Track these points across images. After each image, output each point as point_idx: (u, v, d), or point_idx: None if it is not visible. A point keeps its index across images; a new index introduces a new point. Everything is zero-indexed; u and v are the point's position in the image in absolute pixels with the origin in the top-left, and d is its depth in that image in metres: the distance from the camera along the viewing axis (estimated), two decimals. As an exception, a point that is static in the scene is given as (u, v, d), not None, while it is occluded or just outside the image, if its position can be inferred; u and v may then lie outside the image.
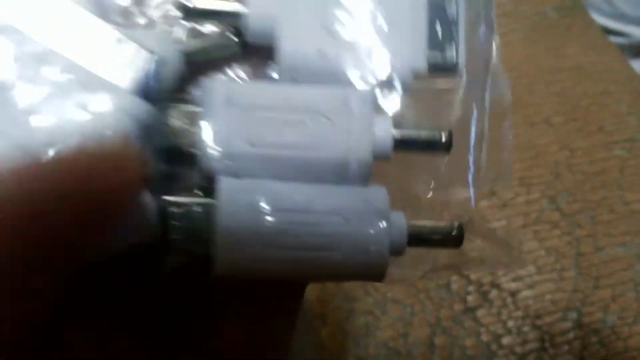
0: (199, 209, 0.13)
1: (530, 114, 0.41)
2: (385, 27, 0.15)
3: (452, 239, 0.15)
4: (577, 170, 0.39)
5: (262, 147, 0.13)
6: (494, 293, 0.34)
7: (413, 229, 0.14)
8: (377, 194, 0.14)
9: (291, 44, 0.14)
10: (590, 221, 0.37)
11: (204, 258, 0.13)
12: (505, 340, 0.33)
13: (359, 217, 0.13)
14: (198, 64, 0.14)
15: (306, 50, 0.14)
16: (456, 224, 0.15)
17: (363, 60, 0.15)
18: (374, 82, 0.15)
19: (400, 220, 0.14)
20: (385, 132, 0.14)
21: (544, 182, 0.38)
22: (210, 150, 0.13)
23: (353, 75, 0.14)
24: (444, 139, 0.15)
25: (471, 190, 0.16)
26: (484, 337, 0.33)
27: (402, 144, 0.14)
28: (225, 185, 0.13)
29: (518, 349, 0.33)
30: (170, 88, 0.14)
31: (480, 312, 0.34)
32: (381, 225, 0.14)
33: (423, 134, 0.15)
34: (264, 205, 0.13)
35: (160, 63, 0.13)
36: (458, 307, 0.34)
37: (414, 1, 0.15)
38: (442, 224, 0.15)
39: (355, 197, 0.14)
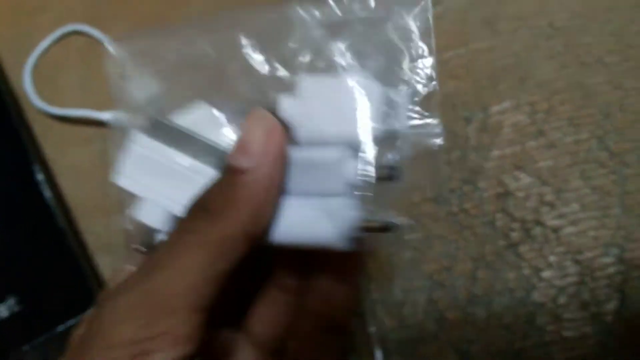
0: None
1: (582, 53, 0.40)
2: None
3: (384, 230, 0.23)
4: (629, 110, 0.38)
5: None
6: (537, 230, 0.35)
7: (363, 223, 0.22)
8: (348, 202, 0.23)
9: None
10: (639, 160, 0.36)
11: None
12: (546, 274, 0.34)
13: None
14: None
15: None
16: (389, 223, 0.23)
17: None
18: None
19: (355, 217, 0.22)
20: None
21: (593, 122, 0.37)
22: None
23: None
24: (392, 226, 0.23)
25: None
26: (525, 271, 0.34)
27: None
28: None
29: (557, 282, 0.33)
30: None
31: (522, 248, 0.35)
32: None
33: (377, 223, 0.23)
34: None
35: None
36: (501, 242, 0.35)
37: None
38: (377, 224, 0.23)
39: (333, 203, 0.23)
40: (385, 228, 0.22)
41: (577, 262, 0.34)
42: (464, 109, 0.39)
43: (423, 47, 0.25)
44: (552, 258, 0.34)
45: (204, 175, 0.24)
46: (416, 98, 0.24)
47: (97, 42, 0.47)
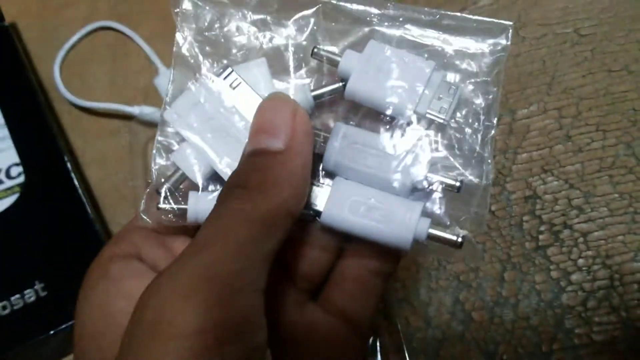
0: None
1: (609, 61, 0.38)
2: None
3: (455, 244, 0.21)
4: (656, 118, 0.37)
5: (354, 164, 0.22)
6: (565, 233, 0.34)
7: (431, 231, 0.21)
8: (417, 205, 0.21)
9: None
10: (668, 167, 0.35)
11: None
12: (575, 277, 0.32)
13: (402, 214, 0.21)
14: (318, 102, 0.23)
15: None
16: (459, 237, 0.21)
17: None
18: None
19: (426, 223, 0.21)
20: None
21: (620, 128, 0.36)
22: (328, 159, 0.22)
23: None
24: (459, 241, 0.21)
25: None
26: (554, 274, 0.33)
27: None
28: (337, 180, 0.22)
29: (587, 286, 0.32)
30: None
31: (551, 250, 0.33)
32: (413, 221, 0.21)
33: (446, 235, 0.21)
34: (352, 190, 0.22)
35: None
36: (529, 245, 0.34)
37: None
38: (448, 235, 0.21)
39: (402, 202, 0.21)
40: (457, 243, 0.20)
41: (606, 266, 0.32)
42: (490, 112, 0.38)
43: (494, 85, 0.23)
44: (581, 261, 0.33)
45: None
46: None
47: (125, 38, 0.45)
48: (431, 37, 0.23)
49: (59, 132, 0.40)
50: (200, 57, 0.23)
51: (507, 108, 0.38)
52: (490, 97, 0.22)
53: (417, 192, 0.21)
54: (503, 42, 0.22)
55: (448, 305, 0.33)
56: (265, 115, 0.20)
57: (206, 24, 0.23)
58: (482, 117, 0.22)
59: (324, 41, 0.23)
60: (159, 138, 0.23)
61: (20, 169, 0.37)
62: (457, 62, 0.22)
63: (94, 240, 0.34)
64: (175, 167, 0.23)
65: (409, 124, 0.21)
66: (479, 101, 0.22)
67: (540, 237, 0.34)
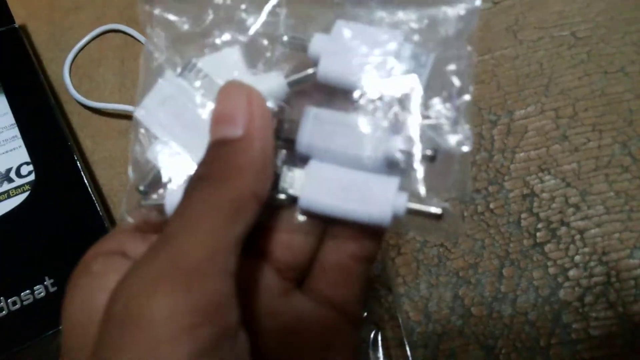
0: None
1: (605, 63, 0.39)
2: None
3: (435, 216, 0.20)
4: (651, 118, 0.37)
5: (327, 144, 0.21)
6: (563, 230, 0.34)
7: (410, 205, 0.20)
8: (393, 180, 0.21)
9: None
10: (663, 166, 0.35)
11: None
12: (572, 273, 0.33)
13: (379, 190, 0.20)
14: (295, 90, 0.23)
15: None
16: (438, 209, 0.20)
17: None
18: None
19: (403, 197, 0.20)
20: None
21: (616, 128, 0.37)
22: (300, 142, 0.21)
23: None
24: (439, 213, 0.20)
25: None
26: (552, 270, 0.33)
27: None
28: (311, 163, 0.22)
29: (584, 282, 0.33)
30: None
31: (548, 247, 0.34)
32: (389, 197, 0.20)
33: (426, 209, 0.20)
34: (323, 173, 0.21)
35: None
36: (527, 242, 0.34)
37: None
38: (427, 207, 0.20)
39: (378, 178, 0.21)
40: (436, 215, 0.20)
41: (603, 262, 0.33)
42: (489, 113, 0.39)
43: (466, 49, 0.23)
44: (578, 258, 0.33)
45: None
46: (451, 102, 0.22)
47: (134, 41, 0.46)
48: (399, 11, 0.22)
49: (69, 132, 0.41)
50: (169, 53, 0.24)
51: (506, 109, 0.39)
52: (463, 61, 0.21)
53: (393, 167, 0.21)
54: (473, 4, 0.22)
55: (448, 300, 0.34)
56: (222, 105, 0.20)
57: (177, 18, 0.24)
58: (456, 83, 0.21)
59: (297, 29, 0.23)
60: (136, 136, 0.23)
61: (30, 167, 0.38)
62: (428, 30, 0.22)
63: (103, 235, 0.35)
64: (151, 164, 0.23)
65: (380, 98, 0.21)
66: (452, 67, 0.21)
67: (538, 234, 0.34)
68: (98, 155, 0.42)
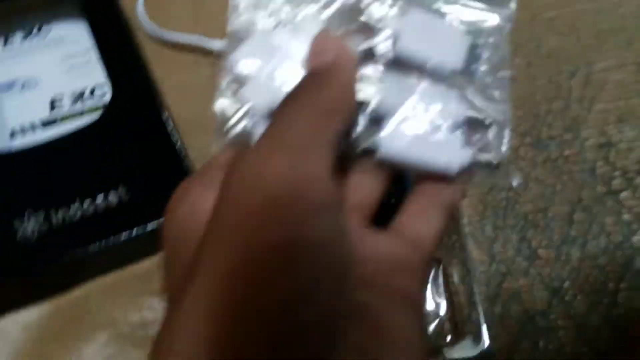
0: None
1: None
2: None
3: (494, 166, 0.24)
4: None
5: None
6: (639, 180, 0.33)
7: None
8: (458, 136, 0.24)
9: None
10: None
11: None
12: (648, 221, 0.32)
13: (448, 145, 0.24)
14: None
15: None
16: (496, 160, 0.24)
17: None
18: None
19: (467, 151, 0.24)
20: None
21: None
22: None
23: None
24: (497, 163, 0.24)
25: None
26: (626, 217, 0.32)
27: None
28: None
29: (660, 230, 0.32)
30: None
31: (623, 195, 0.33)
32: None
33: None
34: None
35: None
36: (601, 189, 0.33)
37: None
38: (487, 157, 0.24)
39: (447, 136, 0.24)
40: (495, 165, 0.23)
41: (681, 212, 0.32)
42: (567, 64, 0.38)
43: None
44: (654, 206, 0.32)
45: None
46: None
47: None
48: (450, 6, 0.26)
49: (145, 61, 0.41)
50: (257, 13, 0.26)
51: (584, 61, 0.38)
52: (501, 52, 0.25)
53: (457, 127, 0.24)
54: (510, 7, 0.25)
55: (514, 242, 0.33)
56: (315, 45, 0.23)
57: None
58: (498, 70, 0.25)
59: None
60: (223, 81, 0.25)
61: (105, 88, 0.39)
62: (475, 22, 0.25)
63: (174, 156, 0.35)
64: (240, 104, 0.25)
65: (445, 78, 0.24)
66: (493, 57, 0.25)
67: (613, 182, 0.33)
68: (168, 85, 0.43)
